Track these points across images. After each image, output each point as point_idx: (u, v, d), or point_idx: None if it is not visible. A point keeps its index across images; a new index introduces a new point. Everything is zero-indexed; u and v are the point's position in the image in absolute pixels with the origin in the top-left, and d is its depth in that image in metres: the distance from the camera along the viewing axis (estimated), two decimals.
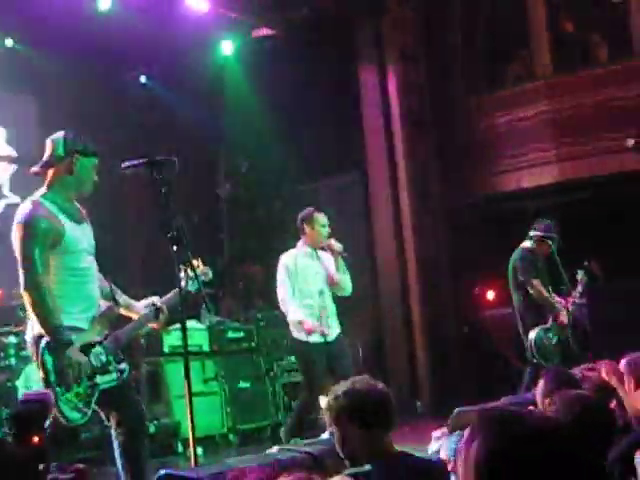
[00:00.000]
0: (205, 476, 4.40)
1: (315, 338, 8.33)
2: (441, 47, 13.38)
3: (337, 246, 8.49)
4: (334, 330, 8.51)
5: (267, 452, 5.83)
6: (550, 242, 9.41)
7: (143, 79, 14.08)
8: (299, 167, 13.17)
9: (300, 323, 8.31)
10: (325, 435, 5.90)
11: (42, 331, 5.13)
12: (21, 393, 9.43)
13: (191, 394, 5.59)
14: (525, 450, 2.17)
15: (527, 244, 9.55)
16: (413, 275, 12.65)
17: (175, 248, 5.60)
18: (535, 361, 9.10)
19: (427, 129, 13.20)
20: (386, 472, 3.69)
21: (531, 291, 9.27)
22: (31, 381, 9.22)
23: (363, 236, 13.22)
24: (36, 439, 3.05)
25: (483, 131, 13.08)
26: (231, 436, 10.76)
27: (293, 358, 11.67)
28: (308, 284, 8.44)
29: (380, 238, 12.96)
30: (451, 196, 12.94)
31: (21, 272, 5.21)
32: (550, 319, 9.31)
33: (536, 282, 9.28)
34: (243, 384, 11.08)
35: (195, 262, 5.86)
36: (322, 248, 8.59)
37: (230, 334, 11.40)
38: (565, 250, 9.56)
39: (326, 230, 8.53)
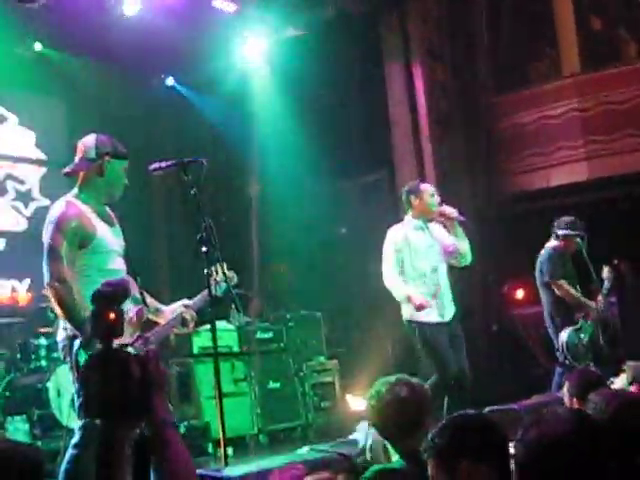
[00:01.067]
0: (236, 476, 4.42)
1: (433, 317, 7.75)
2: (467, 45, 13.35)
3: (450, 210, 7.96)
4: (450, 310, 7.94)
5: (297, 452, 5.85)
6: (577, 239, 9.31)
7: (171, 81, 14.13)
8: (327, 166, 13.17)
9: (409, 299, 7.64)
10: (356, 435, 5.89)
11: (75, 331, 5.14)
12: (52, 395, 9.51)
13: (221, 395, 5.61)
14: (565, 449, 2.18)
15: (553, 243, 9.42)
16: None
17: (204, 249, 5.62)
18: (567, 362, 9.00)
19: (454, 127, 13.17)
20: (420, 471, 3.69)
21: (558, 292, 9.17)
22: (62, 382, 9.29)
23: None
24: (112, 315, 3.15)
25: (510, 129, 13.04)
26: (261, 437, 10.77)
27: (322, 358, 11.70)
28: (420, 260, 7.82)
29: None
30: (479, 194, 12.91)
31: (46, 266, 5.21)
32: (580, 318, 9.22)
33: (562, 282, 9.16)
34: (273, 384, 11.09)
35: (221, 267, 5.86)
36: (431, 220, 8.03)
37: (259, 334, 11.40)
38: (593, 249, 9.51)
39: (435, 199, 7.96)
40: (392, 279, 7.81)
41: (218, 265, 5.84)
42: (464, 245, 8.00)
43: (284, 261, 14.34)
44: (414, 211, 7.97)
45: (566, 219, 9.40)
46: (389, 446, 4.03)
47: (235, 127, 13.72)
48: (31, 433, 9.59)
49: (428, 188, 8.05)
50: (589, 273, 9.31)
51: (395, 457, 3.90)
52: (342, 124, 13.44)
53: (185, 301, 5.89)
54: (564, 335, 9.08)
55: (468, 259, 8.09)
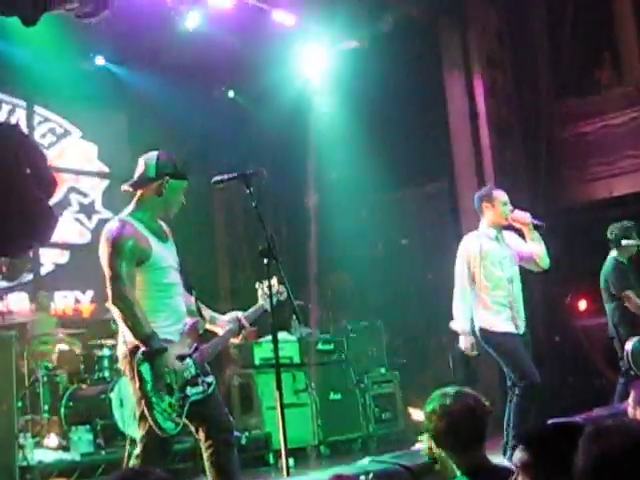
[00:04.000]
0: None
1: (509, 327, 7.59)
2: (528, 53, 13.27)
3: (523, 215, 7.82)
4: (523, 322, 7.73)
5: (358, 463, 5.83)
6: (634, 243, 9.20)
7: (231, 94, 14.22)
8: (386, 176, 13.15)
9: (460, 336, 7.64)
10: (417, 446, 5.85)
11: (136, 342, 5.19)
12: (115, 405, 9.60)
13: (283, 406, 5.61)
14: (628, 461, 2.14)
15: (614, 253, 9.32)
16: None
17: (265, 261, 5.64)
18: (632, 372, 8.86)
19: (515, 136, 13.09)
20: None
21: (627, 303, 9.04)
22: (125, 393, 9.37)
23: (452, 244, 13.14)
24: None
25: (572, 138, 12.92)
26: (322, 448, 10.77)
27: (383, 370, 11.68)
28: (496, 271, 7.69)
29: None
30: (540, 204, 12.79)
31: (109, 286, 5.27)
32: None
33: (630, 293, 9.05)
34: (334, 396, 11.09)
35: (273, 281, 5.87)
36: (506, 227, 7.89)
37: (320, 345, 11.42)
38: None
39: (508, 208, 7.79)
40: (456, 304, 7.76)
41: (271, 279, 5.86)
42: (541, 249, 7.82)
43: (345, 272, 14.33)
44: (487, 219, 7.87)
45: (624, 226, 9.29)
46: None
47: (295, 139, 13.78)
48: (94, 443, 9.69)
49: (500, 195, 7.91)
50: None
51: (457, 472, 3.86)
52: (402, 134, 13.42)
53: (239, 313, 5.91)
54: (629, 345, 8.95)
55: (546, 263, 7.89)
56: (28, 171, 8.49)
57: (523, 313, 7.75)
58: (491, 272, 7.67)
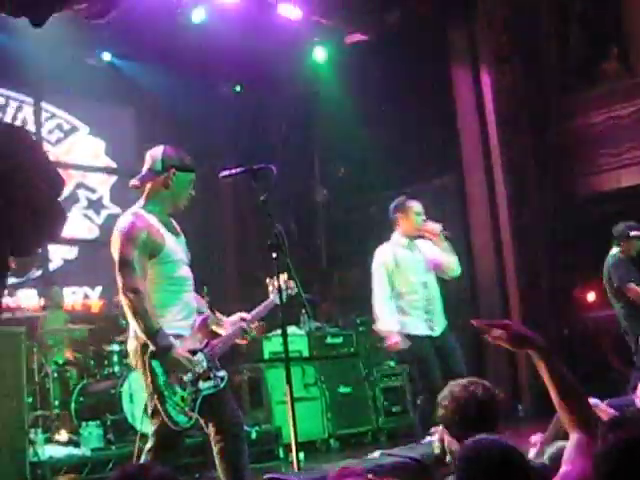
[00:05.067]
0: None
1: (422, 330, 7.99)
2: (535, 46, 13.24)
3: (434, 227, 8.14)
4: (440, 323, 8.15)
5: (369, 457, 5.83)
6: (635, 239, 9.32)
7: (238, 88, 14.22)
8: (394, 171, 13.14)
9: (386, 335, 8.02)
10: (428, 439, 5.86)
11: (148, 339, 5.20)
12: (125, 400, 9.63)
13: (293, 400, 5.62)
14: None
15: (615, 250, 9.41)
16: (512, 277, 12.53)
17: (274, 256, 5.65)
18: None
19: (522, 129, 13.06)
20: None
21: (629, 294, 9.11)
22: (135, 388, 9.39)
23: (460, 239, 13.15)
24: None
25: (580, 130, 12.88)
26: (332, 441, 10.78)
27: (392, 363, 11.69)
28: (410, 276, 8.09)
29: (477, 240, 12.86)
30: (549, 196, 12.79)
31: (119, 276, 5.26)
32: None
33: (632, 285, 9.12)
34: (343, 389, 11.11)
35: (282, 276, 5.90)
36: (419, 236, 8.26)
37: (329, 339, 11.44)
38: None
39: (421, 218, 8.14)
40: (380, 306, 8.09)
41: (280, 274, 5.88)
42: (451, 258, 8.18)
43: (353, 267, 14.33)
44: (401, 228, 8.22)
45: (626, 224, 9.38)
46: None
47: (303, 132, 13.77)
48: (105, 438, 9.72)
49: (414, 205, 8.18)
50: None
51: None
52: (409, 128, 13.40)
53: (243, 314, 5.94)
54: None
55: (456, 272, 8.29)
56: (36, 170, 8.52)
57: (441, 315, 8.16)
58: (406, 278, 8.08)
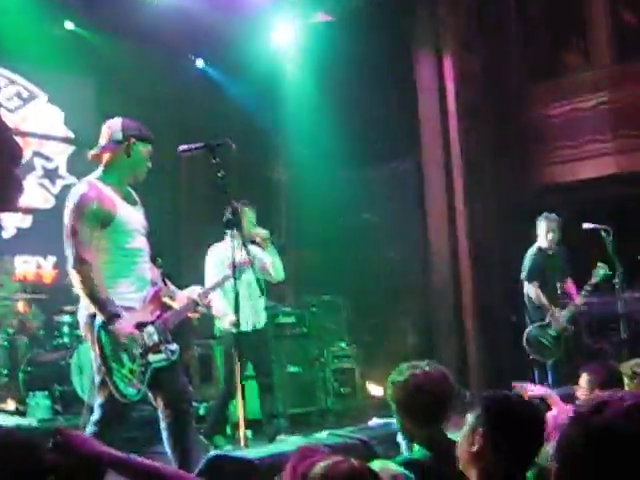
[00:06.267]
0: (255, 458, 4.43)
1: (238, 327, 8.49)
2: (497, 35, 13.28)
3: (261, 232, 8.74)
4: (256, 320, 8.76)
5: (316, 436, 5.86)
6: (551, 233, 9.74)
7: (200, 63, 14.13)
8: (354, 154, 13.15)
9: (225, 315, 8.47)
10: (375, 421, 5.91)
11: (96, 310, 5.18)
12: (74, 372, 9.59)
13: (242, 377, 5.63)
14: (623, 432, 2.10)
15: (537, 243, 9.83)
16: (465, 263, 12.60)
17: (229, 232, 5.65)
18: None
19: (483, 117, 13.11)
20: (438, 460, 3.70)
21: (525, 290, 9.68)
22: (84, 360, 9.35)
23: (416, 223, 13.20)
24: None
25: (540, 120, 12.95)
26: (280, 420, 10.80)
27: (343, 344, 11.74)
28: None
29: (433, 225, 12.92)
30: (506, 185, 12.85)
31: (68, 249, 5.25)
32: (547, 317, 9.62)
33: (530, 284, 9.70)
34: (293, 369, 11.11)
35: (237, 252, 5.92)
36: (252, 242, 8.68)
37: (281, 318, 11.42)
38: (621, 244, 9.49)
39: (252, 224, 8.74)
40: (217, 296, 8.31)
41: (241, 249, 5.88)
42: (274, 262, 8.78)
43: (309, 247, 14.34)
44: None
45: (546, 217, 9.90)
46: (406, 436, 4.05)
47: (265, 112, 13.72)
48: (52, 409, 9.67)
49: (247, 212, 8.74)
50: (614, 268, 9.39)
51: (416, 447, 3.91)
52: (371, 111, 13.41)
53: (197, 288, 5.95)
54: (526, 330, 9.78)
55: (280, 275, 8.89)
56: None
57: (257, 313, 8.79)
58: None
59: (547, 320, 9.50)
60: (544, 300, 9.60)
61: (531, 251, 9.82)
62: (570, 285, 9.95)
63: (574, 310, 9.60)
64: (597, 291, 9.83)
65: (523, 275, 9.78)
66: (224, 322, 8.52)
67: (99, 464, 2.84)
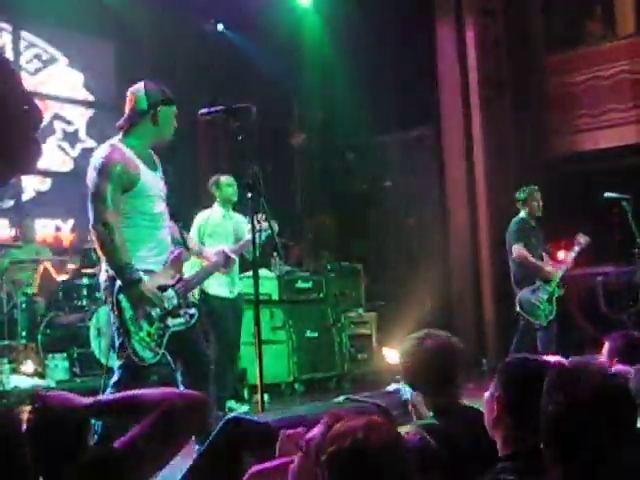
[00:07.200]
0: (272, 421, 4.44)
1: (222, 291, 8.64)
2: (520, 2, 13.19)
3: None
4: (238, 287, 8.81)
5: (333, 401, 5.87)
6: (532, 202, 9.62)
7: (220, 27, 14.08)
8: (372, 119, 13.11)
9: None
10: (392, 387, 5.91)
11: (115, 273, 5.18)
12: (93, 334, 9.64)
13: (260, 342, 5.64)
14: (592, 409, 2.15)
15: (522, 213, 9.74)
16: (484, 232, 12.58)
17: (249, 195, 5.65)
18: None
19: (504, 85, 13.04)
20: (451, 427, 3.69)
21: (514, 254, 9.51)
22: (103, 322, 9.40)
23: (434, 191, 13.18)
24: None
25: (561, 89, 12.89)
26: (297, 385, 10.84)
27: (361, 310, 11.77)
28: (220, 242, 8.13)
29: (452, 193, 12.89)
30: (526, 153, 12.80)
31: (90, 208, 5.22)
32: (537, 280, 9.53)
33: (517, 247, 9.52)
34: (310, 334, 11.14)
35: (258, 216, 5.90)
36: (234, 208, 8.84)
37: (299, 284, 11.43)
38: (636, 214, 9.47)
39: (233, 189, 8.73)
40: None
41: (261, 214, 5.87)
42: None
43: (327, 213, 14.34)
44: (219, 199, 8.89)
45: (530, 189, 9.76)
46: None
47: (283, 76, 13.68)
48: (70, 371, 9.74)
49: (225, 179, 8.85)
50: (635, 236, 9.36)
51: (429, 413, 3.91)
52: (391, 78, 13.37)
53: (225, 246, 5.97)
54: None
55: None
56: (14, 100, 8.42)
57: (240, 281, 8.82)
58: (215, 242, 8.29)
59: (537, 284, 9.47)
60: (532, 260, 9.54)
61: (516, 219, 9.75)
62: (555, 252, 9.98)
63: (565, 270, 9.57)
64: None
65: (513, 239, 9.65)
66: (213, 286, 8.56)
67: (84, 417, 2.87)
